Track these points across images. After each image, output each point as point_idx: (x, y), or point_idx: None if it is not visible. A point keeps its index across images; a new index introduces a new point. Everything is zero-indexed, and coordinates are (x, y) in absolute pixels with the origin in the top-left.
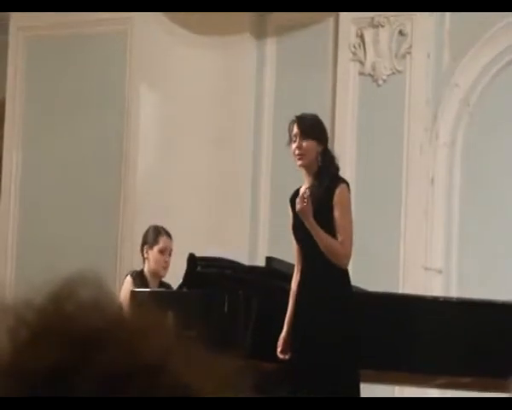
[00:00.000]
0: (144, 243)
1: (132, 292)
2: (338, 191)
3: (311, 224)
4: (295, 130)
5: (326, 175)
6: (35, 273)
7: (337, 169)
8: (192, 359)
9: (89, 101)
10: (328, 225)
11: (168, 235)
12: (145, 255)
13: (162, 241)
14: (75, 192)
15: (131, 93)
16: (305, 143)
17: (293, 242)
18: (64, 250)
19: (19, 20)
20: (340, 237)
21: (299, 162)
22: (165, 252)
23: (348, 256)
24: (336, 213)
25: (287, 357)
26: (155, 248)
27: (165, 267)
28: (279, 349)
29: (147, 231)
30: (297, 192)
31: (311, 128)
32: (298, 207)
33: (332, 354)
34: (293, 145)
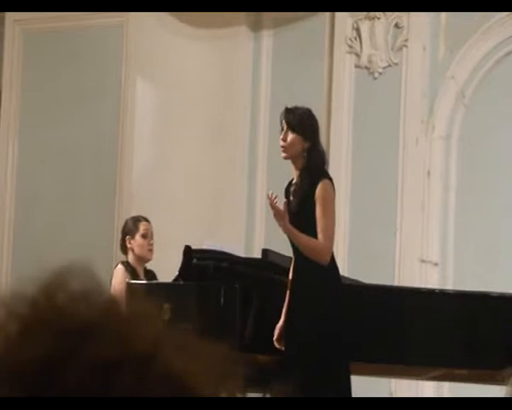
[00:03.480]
0: (125, 234)
1: (128, 284)
2: (319, 187)
3: (286, 228)
4: (283, 121)
5: (311, 172)
6: (31, 264)
7: (323, 165)
8: (183, 348)
9: (85, 93)
10: (312, 221)
11: (146, 219)
12: (128, 246)
13: (142, 226)
14: (71, 184)
15: (127, 85)
16: (289, 137)
17: None
18: (60, 241)
19: (15, 13)
20: (320, 233)
21: (282, 155)
22: (148, 235)
23: (328, 252)
24: (317, 209)
25: (282, 347)
26: (137, 235)
27: (151, 250)
28: (274, 338)
29: (125, 224)
30: (291, 183)
31: (297, 123)
32: (273, 213)
33: (320, 346)
34: (280, 135)
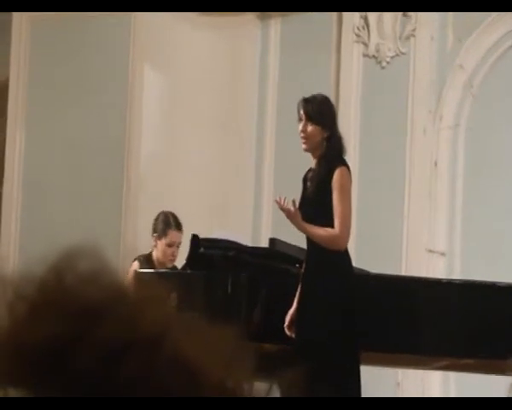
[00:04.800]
0: (154, 230)
1: (136, 273)
2: (336, 173)
3: (300, 226)
4: (301, 112)
5: (328, 159)
6: (38, 255)
7: (341, 152)
8: (193, 332)
9: (92, 82)
10: (328, 207)
11: (178, 227)
12: (153, 243)
13: (170, 234)
14: (78, 175)
15: (135, 74)
16: (309, 128)
17: None
18: (67, 232)
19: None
20: (336, 220)
21: (303, 147)
22: (173, 246)
23: (345, 239)
24: (334, 195)
25: (292, 334)
26: (163, 241)
27: (172, 260)
28: (286, 324)
29: (157, 218)
30: (310, 170)
31: (316, 113)
32: (285, 214)
33: (330, 336)
34: (299, 126)
